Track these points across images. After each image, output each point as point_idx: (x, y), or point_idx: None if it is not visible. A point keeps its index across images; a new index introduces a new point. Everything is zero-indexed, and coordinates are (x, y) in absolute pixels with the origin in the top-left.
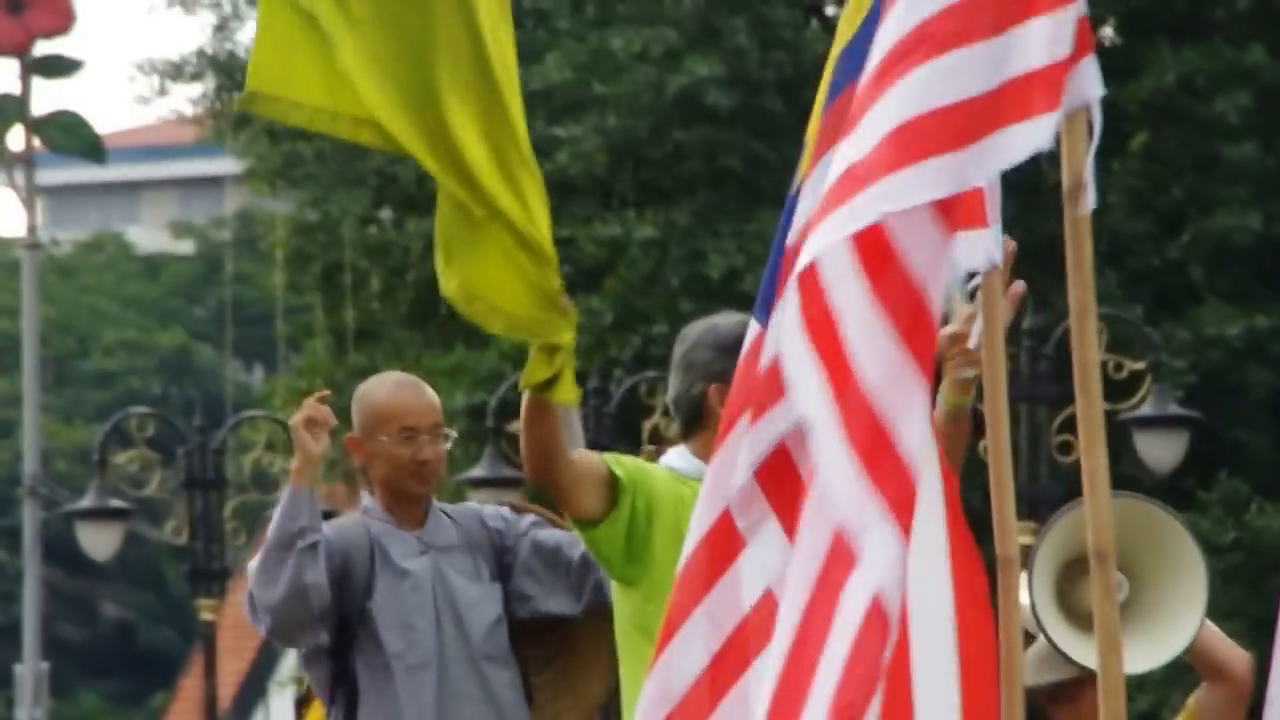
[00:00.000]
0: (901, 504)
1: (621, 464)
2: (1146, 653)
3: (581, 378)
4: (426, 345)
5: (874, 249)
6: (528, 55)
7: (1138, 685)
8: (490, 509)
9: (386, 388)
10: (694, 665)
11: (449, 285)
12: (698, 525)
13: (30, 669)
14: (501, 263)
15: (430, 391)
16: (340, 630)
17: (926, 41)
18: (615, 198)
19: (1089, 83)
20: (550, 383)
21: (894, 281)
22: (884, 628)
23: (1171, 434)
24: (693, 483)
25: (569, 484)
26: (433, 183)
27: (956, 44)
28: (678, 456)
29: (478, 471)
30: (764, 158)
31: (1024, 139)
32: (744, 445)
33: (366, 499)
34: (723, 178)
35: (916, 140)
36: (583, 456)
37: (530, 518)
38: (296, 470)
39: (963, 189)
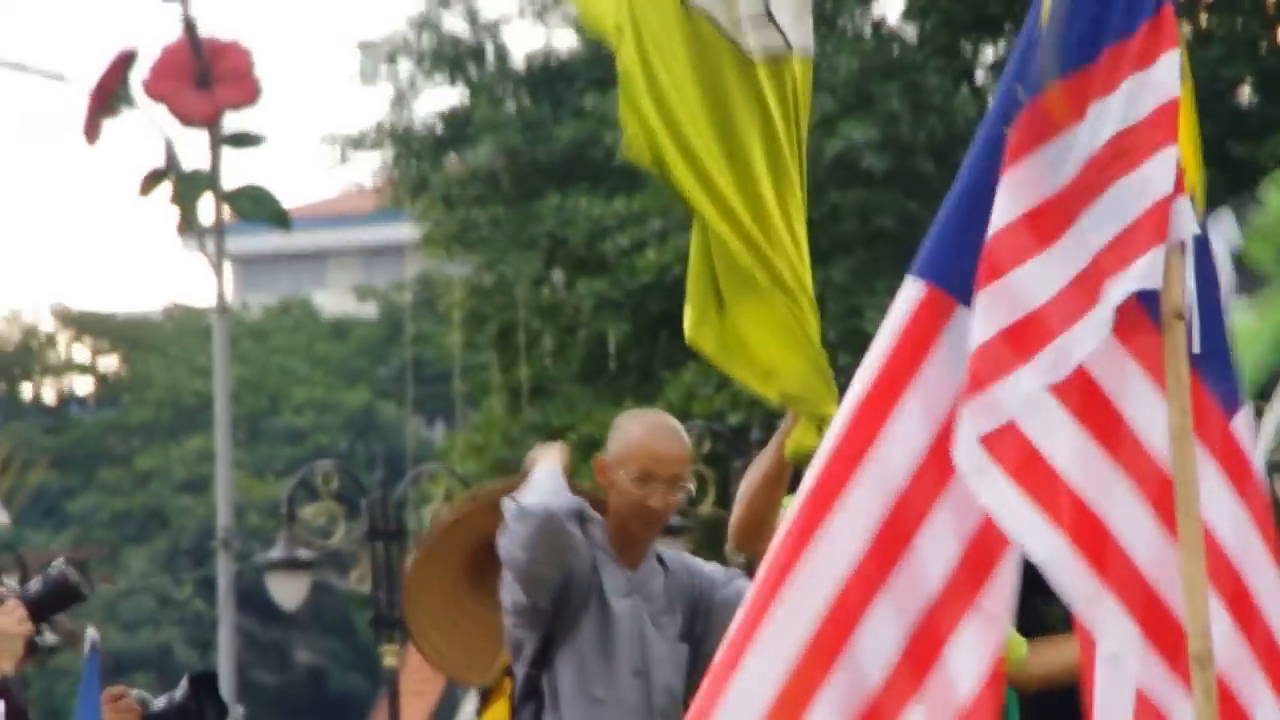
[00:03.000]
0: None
1: None
2: None
3: (744, 430)
4: (597, 400)
5: (1073, 388)
6: None
7: None
8: (704, 565)
9: (641, 426)
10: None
11: (705, 340)
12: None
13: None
14: (782, 329)
15: (681, 441)
16: (544, 643)
17: (1067, 205)
18: None
19: (1186, 220)
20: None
21: (1097, 409)
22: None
23: None
24: None
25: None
26: (602, 245)
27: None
28: None
29: None
30: (917, 217)
31: (1139, 273)
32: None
33: (597, 518)
34: (878, 237)
35: (1089, 290)
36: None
37: (739, 580)
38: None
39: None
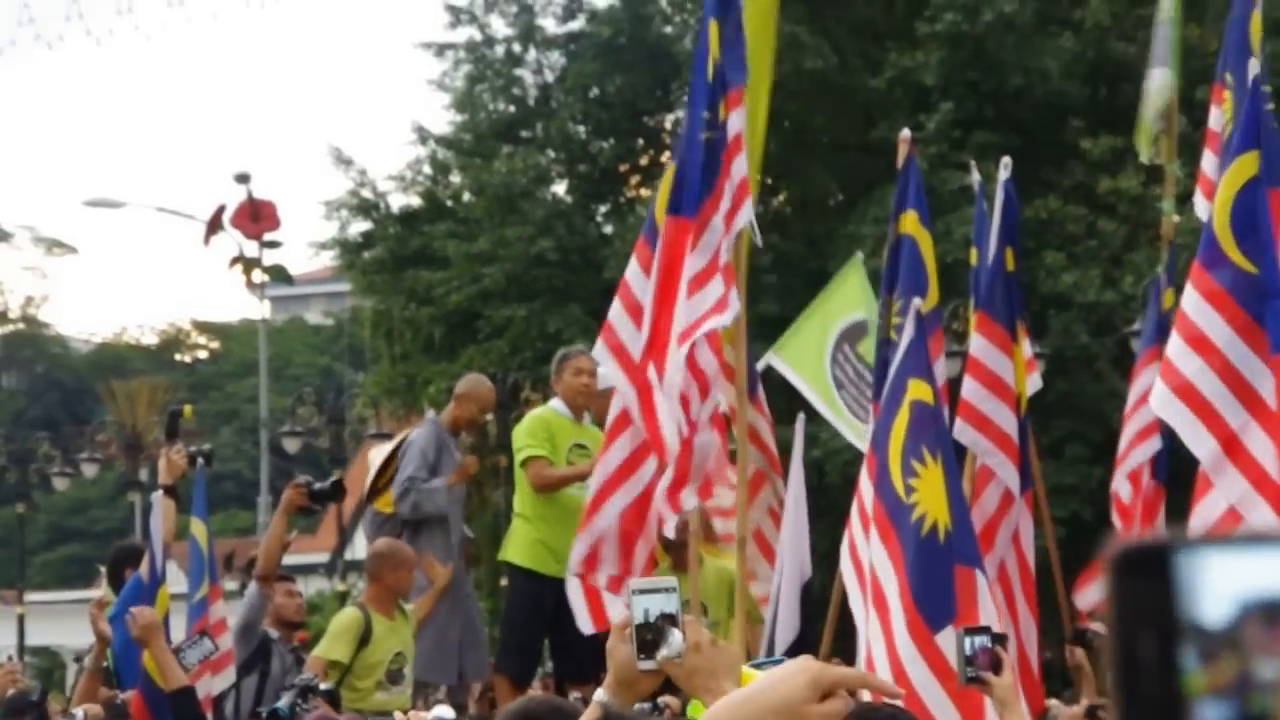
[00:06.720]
0: None
1: None
2: None
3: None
4: (431, 364)
5: None
6: None
7: None
8: None
9: (479, 383)
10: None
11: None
12: None
13: None
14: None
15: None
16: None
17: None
18: None
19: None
20: None
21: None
22: None
23: None
24: None
25: None
26: (432, 293)
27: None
28: None
29: None
30: None
31: None
32: None
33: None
34: None
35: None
36: None
37: None
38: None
39: None
